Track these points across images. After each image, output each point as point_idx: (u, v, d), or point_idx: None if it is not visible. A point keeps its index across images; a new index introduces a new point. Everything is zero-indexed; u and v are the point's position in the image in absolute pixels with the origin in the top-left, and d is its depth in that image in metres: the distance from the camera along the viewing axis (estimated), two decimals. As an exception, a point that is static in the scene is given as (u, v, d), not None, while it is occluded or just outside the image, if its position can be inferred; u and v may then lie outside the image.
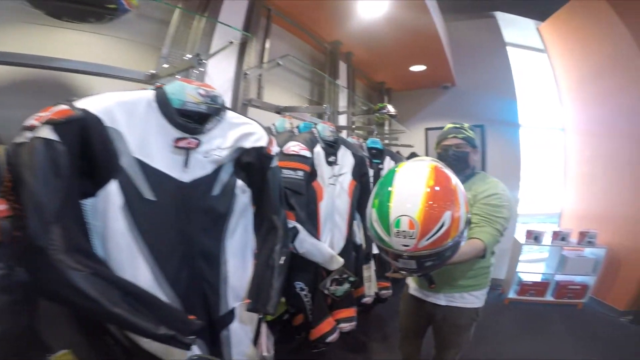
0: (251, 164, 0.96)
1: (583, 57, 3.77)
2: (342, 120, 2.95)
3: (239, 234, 0.97)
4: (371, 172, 2.14)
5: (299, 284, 1.43)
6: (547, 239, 3.40)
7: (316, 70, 2.64)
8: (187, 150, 0.85)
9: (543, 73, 4.30)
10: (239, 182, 0.95)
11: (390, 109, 3.30)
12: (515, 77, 3.95)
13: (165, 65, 1.36)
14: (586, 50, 3.70)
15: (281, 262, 1.00)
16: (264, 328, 1.12)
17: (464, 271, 1.40)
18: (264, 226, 1.01)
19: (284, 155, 1.30)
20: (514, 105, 3.89)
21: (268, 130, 1.59)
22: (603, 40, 3.43)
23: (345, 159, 1.60)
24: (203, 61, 1.18)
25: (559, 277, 3.40)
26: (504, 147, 3.85)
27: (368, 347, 2.46)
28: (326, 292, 1.51)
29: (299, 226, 1.24)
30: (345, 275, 1.53)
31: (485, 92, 3.99)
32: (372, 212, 0.93)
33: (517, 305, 3.40)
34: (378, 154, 2.17)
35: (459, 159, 1.43)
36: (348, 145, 1.63)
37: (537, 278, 3.48)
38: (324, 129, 1.53)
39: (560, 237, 3.34)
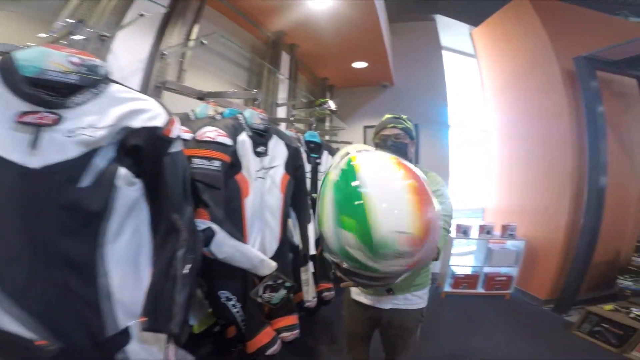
0: (141, 148, 0.74)
1: (507, 62, 4.07)
2: (282, 112, 2.78)
3: (125, 238, 0.75)
4: (308, 167, 2.02)
5: (223, 293, 1.23)
6: (474, 233, 3.57)
7: (255, 57, 2.44)
8: (38, 127, 0.63)
9: (472, 77, 4.63)
10: (123, 171, 0.73)
11: (331, 104, 3.21)
12: (447, 80, 4.20)
13: (43, 35, 1.08)
14: (510, 55, 3.99)
15: (185, 271, 0.80)
16: (171, 350, 0.92)
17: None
18: (161, 228, 0.80)
19: (196, 143, 1.09)
20: (445, 107, 4.14)
21: (184, 115, 1.36)
22: (526, 46, 3.70)
23: (278, 150, 1.43)
24: (105, 36, 0.95)
25: (487, 270, 3.58)
26: (435, 145, 4.06)
27: (316, 351, 2.34)
28: (260, 300, 1.33)
29: (215, 227, 1.04)
30: (280, 281, 1.36)
31: (420, 93, 4.16)
32: (347, 237, 0.67)
33: (453, 298, 3.52)
34: (316, 148, 2.05)
35: (398, 150, 1.34)
36: (281, 136, 1.47)
37: (468, 271, 3.65)
38: (252, 115, 1.34)
39: (485, 230, 3.54)
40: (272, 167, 1.39)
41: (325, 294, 2.12)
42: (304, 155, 2.00)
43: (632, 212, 3.38)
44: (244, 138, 1.25)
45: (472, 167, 4.55)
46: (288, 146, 1.47)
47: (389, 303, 1.33)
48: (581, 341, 2.63)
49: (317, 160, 2.03)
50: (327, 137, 3.74)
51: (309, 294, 1.78)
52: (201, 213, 1.05)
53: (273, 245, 1.41)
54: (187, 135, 1.16)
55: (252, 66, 2.68)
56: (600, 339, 2.56)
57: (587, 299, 3.11)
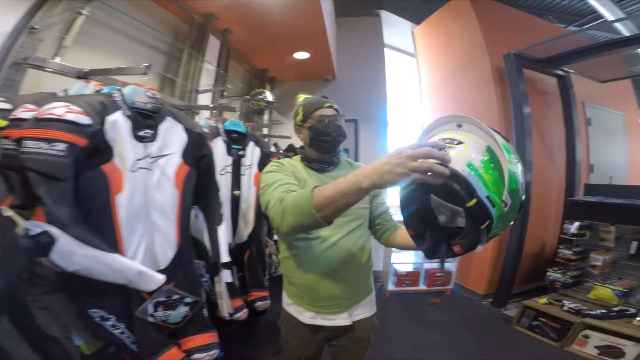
0: None
1: (443, 60, 4.14)
2: (205, 100, 2.50)
3: None
4: (230, 159, 1.76)
5: (96, 313, 0.95)
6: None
7: (177, 42, 2.14)
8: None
9: (410, 76, 4.72)
10: None
11: (268, 95, 2.98)
12: (388, 77, 4.20)
13: None
14: (447, 53, 4.06)
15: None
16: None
17: (362, 276, 1.21)
18: None
19: (34, 122, 0.81)
20: (384, 104, 4.13)
21: (49, 95, 1.07)
22: (462, 44, 3.78)
23: (173, 135, 1.16)
24: None
25: (427, 266, 3.59)
26: (374, 143, 4.03)
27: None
28: (152, 320, 1.07)
29: (54, 231, 0.76)
30: (176, 297, 1.11)
31: (361, 89, 4.11)
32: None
33: (397, 296, 3.47)
34: (240, 139, 1.80)
35: (341, 133, 1.19)
36: (179, 118, 1.20)
37: (409, 268, 3.63)
38: (134, 92, 1.06)
39: (424, 226, 3.56)
40: (162, 156, 1.12)
41: (259, 303, 1.89)
42: (223, 147, 1.75)
43: (553, 205, 3.57)
44: (116, 118, 0.97)
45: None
46: (188, 131, 1.21)
47: (348, 317, 1.17)
48: (523, 336, 2.64)
49: (241, 152, 1.78)
50: (265, 131, 3.51)
51: (224, 309, 1.52)
52: (37, 213, 0.77)
53: (168, 252, 1.14)
54: (29, 114, 0.87)
55: (172, 51, 2.36)
56: (540, 333, 2.57)
57: (523, 291, 3.21)
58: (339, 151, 1.23)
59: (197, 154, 1.23)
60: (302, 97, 1.26)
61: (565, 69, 3.38)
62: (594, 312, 2.40)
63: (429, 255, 0.76)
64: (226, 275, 1.50)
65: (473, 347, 2.50)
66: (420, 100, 4.64)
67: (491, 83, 3.33)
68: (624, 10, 3.48)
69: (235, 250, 1.82)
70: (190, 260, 1.28)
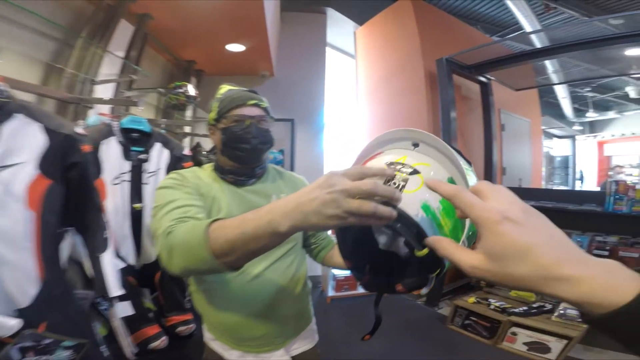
0: None
1: (381, 62, 4.13)
2: (106, 93, 2.08)
3: None
4: (127, 165, 1.44)
5: None
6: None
7: (54, 22, 1.70)
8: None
9: (349, 77, 4.67)
10: None
11: (190, 89, 2.63)
12: (327, 78, 4.06)
13: None
14: (385, 55, 4.04)
15: None
16: None
17: (297, 307, 0.99)
18: None
19: None
20: (322, 105, 3.99)
21: None
22: (400, 46, 3.78)
23: (22, 138, 0.83)
24: None
25: (363, 268, 3.58)
26: (311, 144, 3.88)
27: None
28: None
29: None
30: (48, 341, 0.84)
31: (299, 88, 3.91)
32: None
33: (338, 302, 3.37)
34: (142, 139, 1.48)
35: (266, 140, 0.94)
36: (36, 115, 0.88)
37: (347, 272, 3.57)
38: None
39: (358, 228, 3.55)
40: (5, 167, 0.81)
41: (180, 328, 1.65)
42: (118, 149, 1.42)
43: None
44: None
45: (344, 165, 4.62)
46: (50, 132, 0.89)
47: (285, 354, 0.96)
48: (459, 335, 2.67)
49: (142, 156, 1.46)
50: (187, 129, 3.13)
51: (125, 348, 1.24)
52: None
53: (27, 289, 0.86)
54: None
55: (67, 38, 1.91)
56: (473, 332, 2.62)
57: (454, 288, 3.30)
58: (263, 160, 0.99)
59: (63, 163, 0.92)
60: (224, 89, 0.99)
61: (488, 76, 3.58)
62: (517, 310, 2.51)
63: (368, 289, 0.64)
64: (121, 310, 1.21)
65: (417, 350, 2.49)
66: (356, 103, 4.60)
67: (423, 87, 3.38)
68: (542, 23, 3.81)
69: (143, 271, 1.53)
70: (66, 296, 0.99)
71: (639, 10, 2.28)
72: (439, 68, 3.15)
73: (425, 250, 0.46)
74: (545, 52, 3.01)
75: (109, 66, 2.14)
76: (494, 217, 0.30)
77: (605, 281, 0.27)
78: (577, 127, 10.36)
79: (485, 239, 0.31)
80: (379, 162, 0.54)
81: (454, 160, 0.51)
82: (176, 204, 0.75)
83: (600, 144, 10.42)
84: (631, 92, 7.67)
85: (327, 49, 4.20)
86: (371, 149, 0.61)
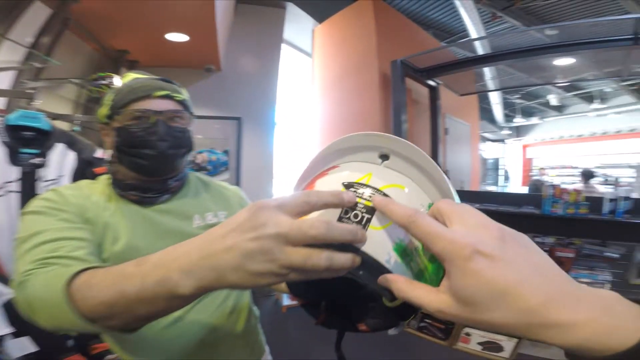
0: None
1: (337, 62, 4.05)
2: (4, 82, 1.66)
3: None
4: (15, 172, 1.09)
5: None
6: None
7: None
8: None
9: (304, 76, 4.53)
10: None
11: (116, 81, 2.24)
12: (281, 75, 3.84)
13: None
14: (342, 54, 3.97)
15: None
16: None
17: (241, 345, 0.78)
18: None
19: None
20: (273, 103, 3.77)
21: None
22: (357, 46, 3.71)
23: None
24: None
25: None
26: (260, 144, 3.64)
27: None
28: None
29: None
30: None
31: (249, 85, 3.63)
32: None
33: (294, 311, 3.21)
34: (38, 140, 1.14)
35: (181, 143, 0.72)
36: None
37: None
38: None
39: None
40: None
41: (109, 357, 1.44)
42: (3, 152, 1.07)
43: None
44: None
45: (296, 168, 4.44)
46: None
47: None
48: (416, 338, 2.67)
49: (37, 160, 1.12)
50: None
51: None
52: None
53: None
54: None
55: None
56: (429, 333, 2.61)
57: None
58: (179, 169, 0.75)
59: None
60: (128, 77, 0.73)
61: (437, 80, 3.64)
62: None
63: (327, 327, 0.50)
64: (18, 348, 0.93)
65: (374, 352, 2.45)
66: (310, 102, 4.47)
67: (376, 88, 3.35)
68: (487, 31, 4.00)
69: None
70: None
71: (573, 21, 2.45)
72: (393, 70, 3.12)
73: (398, 302, 0.37)
74: (487, 59, 3.13)
75: (10, 53, 1.72)
76: (462, 252, 0.24)
77: (604, 323, 0.22)
78: (506, 132, 11.37)
79: (454, 279, 0.25)
80: (334, 182, 0.39)
81: (438, 178, 0.37)
82: (43, 238, 0.53)
83: (524, 147, 11.58)
84: (552, 99, 8.56)
85: (284, 45, 3.98)
86: (323, 161, 0.44)
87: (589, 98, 8.77)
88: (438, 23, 4.57)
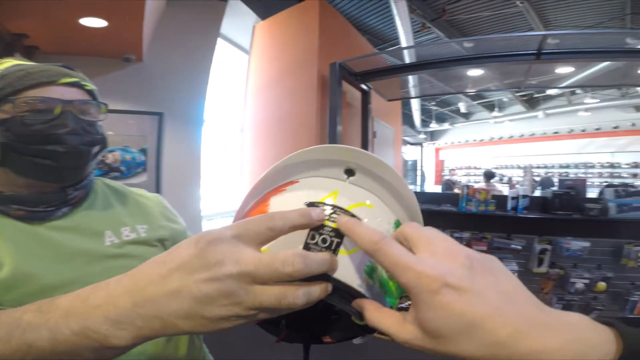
0: None
1: (277, 60, 3.90)
2: None
3: None
4: None
5: None
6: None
7: None
8: None
9: (239, 74, 4.29)
10: None
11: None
12: (213, 71, 3.52)
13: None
14: (282, 53, 3.83)
15: None
16: None
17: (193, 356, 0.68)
18: None
19: None
20: (202, 100, 3.44)
21: None
22: (298, 46, 3.62)
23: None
24: None
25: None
26: (184, 141, 3.30)
27: None
28: None
29: None
30: None
31: (176, 78, 3.25)
32: None
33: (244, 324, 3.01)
34: None
35: (95, 139, 0.59)
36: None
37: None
38: None
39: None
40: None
41: None
42: None
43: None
44: None
45: (226, 168, 4.19)
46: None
47: None
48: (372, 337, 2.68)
49: None
50: None
51: None
52: None
53: None
54: None
55: None
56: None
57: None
58: (86, 173, 0.61)
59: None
60: (5, 64, 0.55)
61: (369, 85, 3.75)
62: (404, 305, 2.67)
63: (290, 342, 0.47)
64: None
65: (329, 353, 2.34)
66: (245, 99, 4.26)
67: (314, 90, 3.31)
68: (415, 40, 4.26)
69: None
70: None
71: (485, 35, 2.74)
72: (332, 72, 3.12)
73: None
74: (414, 67, 3.33)
75: None
76: (430, 285, 0.23)
77: (573, 351, 0.21)
78: (422, 136, 12.47)
79: (421, 312, 0.24)
80: (293, 201, 0.35)
81: (406, 195, 0.37)
82: None
83: (437, 150, 12.87)
84: (462, 107, 9.62)
85: (220, 40, 3.68)
86: (278, 175, 0.38)
87: (490, 107, 10.10)
88: (374, 29, 4.78)
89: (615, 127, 8.08)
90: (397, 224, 0.36)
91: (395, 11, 3.89)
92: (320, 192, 0.34)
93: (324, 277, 0.29)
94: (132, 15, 2.27)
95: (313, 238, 0.31)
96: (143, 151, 2.96)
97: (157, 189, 2.97)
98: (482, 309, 0.23)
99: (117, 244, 0.60)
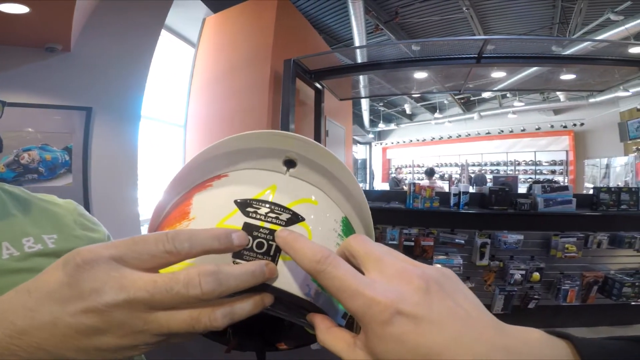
0: None
1: (228, 54, 3.70)
2: None
3: None
4: None
5: None
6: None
7: None
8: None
9: (183, 68, 4.04)
10: None
11: None
12: (153, 64, 3.21)
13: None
14: (234, 48, 3.64)
15: None
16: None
17: None
18: None
19: None
20: (140, 94, 3.12)
21: None
22: (252, 41, 3.48)
23: None
24: None
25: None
26: (117, 139, 2.99)
27: None
28: None
29: None
30: None
31: (108, 70, 2.89)
32: None
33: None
34: None
35: None
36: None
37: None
38: None
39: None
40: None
41: None
42: None
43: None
44: None
45: (167, 167, 3.90)
46: None
47: None
48: None
49: None
50: None
51: None
52: None
53: None
54: None
55: None
56: None
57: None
58: None
59: None
60: None
61: (322, 84, 3.72)
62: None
63: (242, 350, 0.41)
64: None
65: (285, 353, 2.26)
66: (189, 94, 3.99)
67: (267, 86, 3.19)
68: (368, 41, 4.31)
69: None
70: None
71: (430, 39, 2.86)
72: (286, 69, 3.03)
73: None
74: (366, 68, 3.38)
75: None
76: (382, 315, 0.21)
77: None
78: (371, 136, 12.86)
79: (371, 343, 0.22)
80: (221, 199, 0.30)
81: (353, 189, 0.33)
82: None
83: (384, 150, 13.38)
84: (407, 108, 10.06)
85: (164, 31, 3.38)
86: (204, 168, 0.33)
87: (432, 109, 10.70)
88: (329, 29, 4.77)
89: (538, 129, 9.05)
90: (345, 222, 0.33)
91: (351, 11, 3.94)
92: (254, 187, 0.30)
93: (263, 286, 0.25)
94: (60, 1, 2.02)
95: (247, 243, 0.26)
96: (67, 150, 2.60)
97: (85, 192, 2.63)
98: (439, 339, 0.21)
99: (18, 256, 0.49)
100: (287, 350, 0.39)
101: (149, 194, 3.45)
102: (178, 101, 3.99)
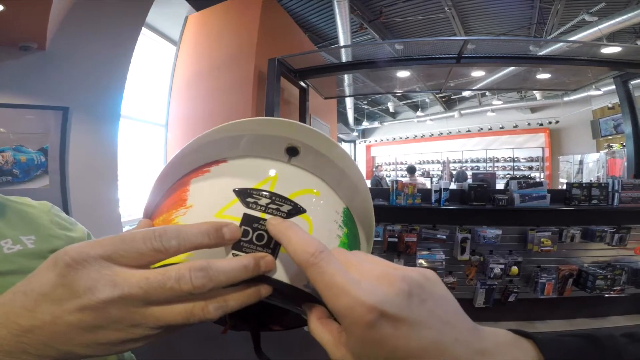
0: None
1: (211, 53, 3.63)
2: None
3: None
4: None
5: None
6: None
7: None
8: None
9: (164, 66, 3.93)
10: None
11: None
12: (133, 62, 3.11)
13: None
14: (218, 46, 3.58)
15: None
16: None
17: None
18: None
19: None
20: (120, 94, 3.03)
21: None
22: (236, 39, 3.42)
23: None
24: None
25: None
26: (97, 138, 2.90)
27: None
28: None
29: None
30: None
31: (86, 69, 2.80)
32: None
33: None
34: None
35: None
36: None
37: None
38: None
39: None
40: None
41: None
42: None
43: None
44: None
45: (148, 167, 3.80)
46: None
47: None
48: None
49: None
50: None
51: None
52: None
53: None
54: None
55: None
56: None
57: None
58: None
59: None
60: None
61: (307, 82, 3.71)
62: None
63: (237, 330, 0.41)
64: None
65: (274, 350, 2.27)
66: (170, 94, 3.90)
67: (250, 85, 3.15)
68: (353, 40, 4.32)
69: None
70: None
71: (412, 39, 2.91)
72: (270, 68, 3.00)
73: None
74: (350, 66, 3.37)
75: None
76: (365, 317, 0.21)
77: None
78: (355, 134, 12.92)
79: (351, 343, 0.22)
80: (219, 187, 0.29)
81: (355, 179, 0.32)
82: None
83: (368, 147, 13.47)
84: (390, 106, 10.15)
85: (144, 29, 3.31)
86: (201, 153, 0.31)
87: (415, 107, 10.84)
88: (314, 27, 4.76)
89: (515, 126, 9.32)
90: (346, 212, 0.32)
91: (337, 10, 3.93)
92: (254, 175, 0.29)
93: (262, 277, 0.25)
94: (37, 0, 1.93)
95: (246, 235, 0.26)
96: (43, 151, 2.51)
97: (63, 194, 2.54)
98: (419, 343, 0.21)
99: None
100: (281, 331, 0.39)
101: (131, 195, 3.38)
102: (159, 100, 3.89)
